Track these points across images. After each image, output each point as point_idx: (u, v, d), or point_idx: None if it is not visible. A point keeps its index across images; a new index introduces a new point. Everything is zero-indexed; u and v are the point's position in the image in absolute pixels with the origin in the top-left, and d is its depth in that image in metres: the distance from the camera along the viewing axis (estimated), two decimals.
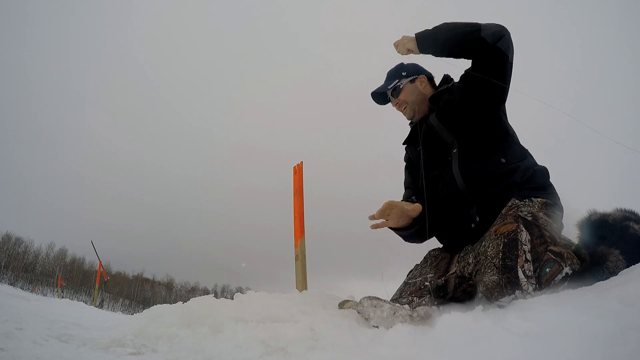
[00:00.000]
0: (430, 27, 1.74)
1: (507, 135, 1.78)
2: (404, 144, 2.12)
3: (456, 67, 1.94)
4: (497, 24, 1.65)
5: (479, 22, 1.66)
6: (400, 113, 2.07)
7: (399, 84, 1.99)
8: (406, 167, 2.11)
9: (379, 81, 2.07)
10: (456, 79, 1.95)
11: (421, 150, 1.92)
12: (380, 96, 2.07)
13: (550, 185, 1.71)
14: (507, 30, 1.64)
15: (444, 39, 1.68)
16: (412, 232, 1.86)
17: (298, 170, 3.03)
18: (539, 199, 1.57)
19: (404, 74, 2.01)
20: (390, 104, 2.08)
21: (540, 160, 1.82)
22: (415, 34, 1.75)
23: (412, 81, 2.00)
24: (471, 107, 1.75)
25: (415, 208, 1.76)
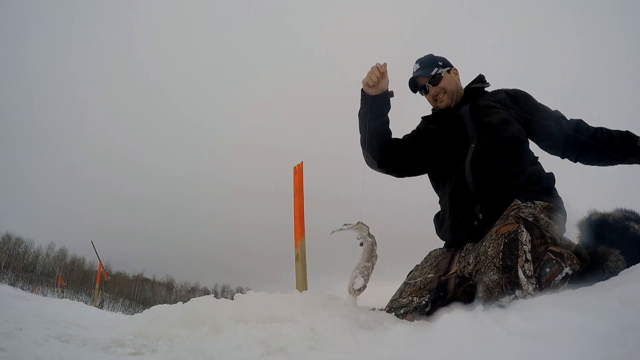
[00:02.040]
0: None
1: (522, 143, 1.82)
2: (423, 118, 2.11)
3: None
4: None
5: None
6: (427, 102, 2.08)
7: (439, 72, 1.99)
8: (412, 131, 2.11)
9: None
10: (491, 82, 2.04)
11: (441, 136, 1.96)
12: (412, 82, 2.05)
13: (555, 190, 1.73)
14: None
15: None
16: (367, 108, 1.93)
17: (298, 170, 3.03)
18: (542, 202, 1.59)
19: (440, 63, 2.01)
20: (418, 92, 2.07)
21: (541, 160, 1.85)
22: None
23: (448, 71, 2.02)
24: (507, 121, 1.80)
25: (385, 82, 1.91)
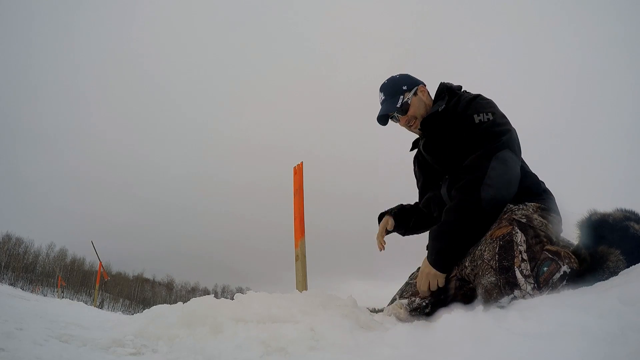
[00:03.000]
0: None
1: None
2: (411, 150, 2.09)
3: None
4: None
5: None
6: (404, 129, 1.96)
7: (406, 99, 1.86)
8: (417, 185, 2.10)
9: (380, 82, 1.98)
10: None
11: (417, 172, 2.05)
12: (380, 118, 1.93)
13: (545, 191, 1.71)
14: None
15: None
16: (402, 232, 2.14)
17: (298, 171, 3.03)
18: (534, 204, 1.58)
19: (404, 87, 1.87)
20: (391, 122, 1.96)
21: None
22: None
23: (415, 94, 1.88)
24: (461, 149, 1.69)
25: (385, 225, 2.08)
